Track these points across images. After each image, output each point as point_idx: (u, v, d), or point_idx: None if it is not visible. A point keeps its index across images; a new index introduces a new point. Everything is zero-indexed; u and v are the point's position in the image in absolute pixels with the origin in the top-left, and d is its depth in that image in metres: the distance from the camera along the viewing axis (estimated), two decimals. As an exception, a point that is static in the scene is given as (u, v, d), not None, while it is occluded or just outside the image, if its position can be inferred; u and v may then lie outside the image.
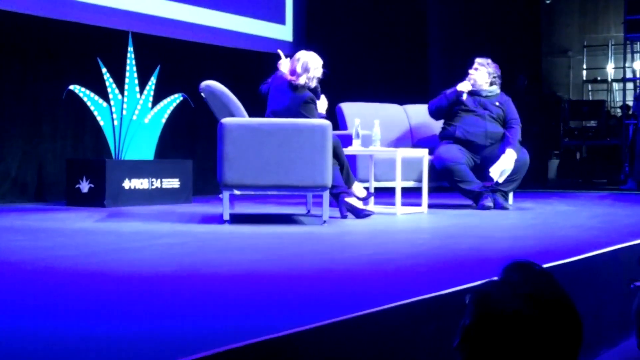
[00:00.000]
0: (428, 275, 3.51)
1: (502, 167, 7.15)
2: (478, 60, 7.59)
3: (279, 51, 6.74)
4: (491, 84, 7.55)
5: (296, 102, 6.16)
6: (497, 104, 7.49)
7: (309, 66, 6.26)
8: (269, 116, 6.31)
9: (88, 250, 4.39)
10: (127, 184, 7.52)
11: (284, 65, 6.48)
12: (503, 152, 7.23)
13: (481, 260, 3.96)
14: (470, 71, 7.56)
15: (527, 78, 12.78)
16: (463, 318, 1.80)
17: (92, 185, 7.39)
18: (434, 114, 7.63)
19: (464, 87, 7.46)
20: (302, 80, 6.24)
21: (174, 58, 8.83)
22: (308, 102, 6.15)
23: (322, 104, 6.49)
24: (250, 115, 6.02)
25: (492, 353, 1.73)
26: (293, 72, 6.27)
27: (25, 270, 3.58)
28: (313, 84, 6.30)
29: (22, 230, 5.44)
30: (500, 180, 7.19)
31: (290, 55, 6.62)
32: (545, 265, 3.53)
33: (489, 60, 7.60)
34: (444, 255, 4.23)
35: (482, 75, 7.51)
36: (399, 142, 7.90)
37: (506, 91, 7.74)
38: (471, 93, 7.49)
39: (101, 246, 4.58)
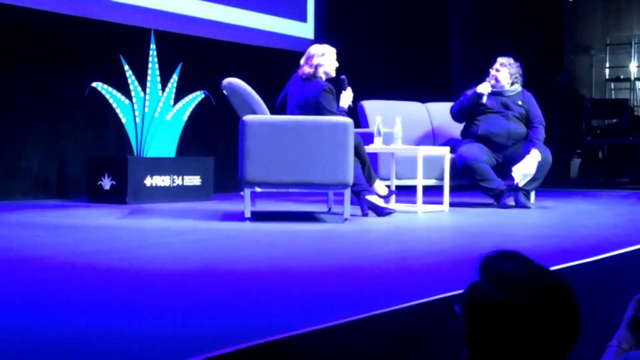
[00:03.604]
0: (449, 274, 3.50)
1: (525, 170, 7.12)
2: (500, 60, 7.54)
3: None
4: (512, 83, 7.51)
5: (313, 92, 6.16)
6: (520, 102, 7.45)
7: (310, 54, 6.34)
8: (290, 114, 6.32)
9: (109, 246, 4.40)
10: (148, 181, 7.54)
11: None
12: (527, 151, 7.20)
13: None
14: (491, 71, 7.51)
15: (569, 75, 12.71)
16: (461, 329, 1.79)
17: (113, 182, 7.41)
18: (456, 116, 7.56)
19: (483, 88, 7.40)
20: (306, 70, 6.28)
21: (195, 55, 8.84)
22: (327, 91, 6.15)
23: (347, 98, 6.44)
24: (272, 113, 6.02)
25: (499, 349, 1.72)
26: (300, 65, 6.34)
27: (46, 266, 3.60)
28: (323, 70, 6.28)
29: (44, 226, 5.46)
30: (521, 185, 7.15)
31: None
32: (567, 264, 3.52)
33: (511, 60, 7.54)
34: (465, 253, 4.21)
35: (504, 75, 7.46)
36: (420, 140, 7.88)
37: (532, 88, 7.69)
38: (493, 93, 7.44)
39: (123, 243, 4.59)
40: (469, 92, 7.48)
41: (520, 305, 1.70)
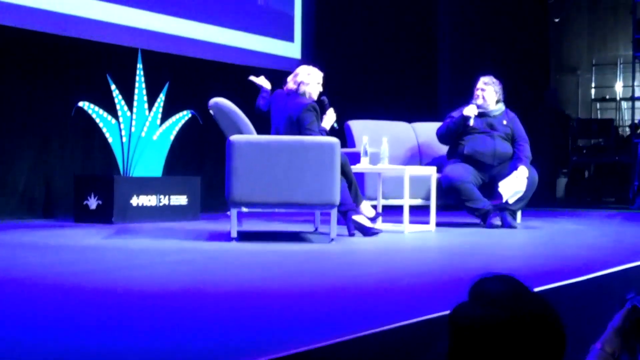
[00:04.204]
0: (435, 295, 3.50)
1: (514, 186, 7.13)
2: (483, 79, 7.55)
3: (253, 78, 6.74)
4: (497, 102, 7.53)
5: (296, 109, 6.17)
6: (505, 122, 7.48)
7: (296, 72, 6.38)
8: (274, 131, 6.33)
9: (95, 267, 4.38)
10: (135, 200, 7.53)
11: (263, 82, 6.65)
12: (514, 168, 7.22)
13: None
14: (476, 91, 7.52)
15: (556, 94, 12.78)
16: (446, 349, 1.79)
17: (100, 202, 7.39)
18: (442, 138, 7.55)
19: (470, 111, 7.39)
20: (290, 85, 6.32)
21: (182, 75, 8.84)
22: (309, 109, 6.15)
23: (329, 118, 6.45)
24: (259, 133, 6.02)
25: None
26: (286, 82, 6.37)
27: (32, 287, 3.58)
28: (306, 90, 6.29)
29: (30, 246, 5.44)
30: (511, 201, 7.16)
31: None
32: (553, 285, 3.53)
33: (493, 78, 7.56)
34: (451, 274, 4.22)
35: (490, 94, 7.48)
36: (407, 160, 7.89)
37: (513, 108, 7.72)
38: (479, 114, 7.45)
39: (109, 263, 4.58)
40: (455, 115, 7.48)
41: (500, 325, 1.70)
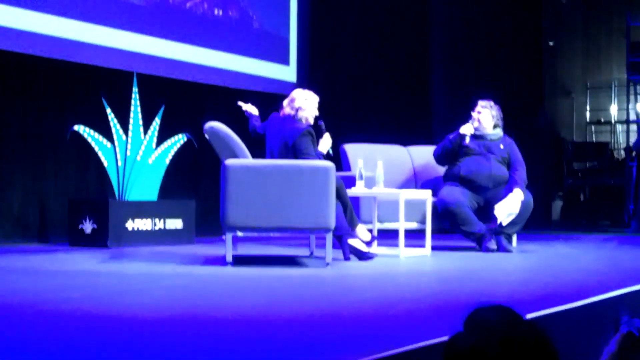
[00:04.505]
0: (430, 321, 3.49)
1: (509, 209, 7.13)
2: (481, 103, 7.58)
3: (240, 103, 6.76)
4: (494, 126, 7.55)
5: (292, 135, 6.16)
6: (502, 146, 7.49)
7: (293, 97, 6.35)
8: (269, 155, 6.33)
9: (90, 293, 4.37)
10: (130, 224, 7.52)
11: (250, 108, 6.68)
12: (509, 191, 7.22)
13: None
14: (473, 114, 7.54)
15: (547, 116, 12.83)
16: None
17: (95, 226, 7.38)
18: (439, 159, 7.56)
19: (466, 129, 7.42)
20: (287, 111, 6.29)
21: (178, 98, 8.85)
22: (305, 134, 6.14)
23: (325, 143, 6.45)
24: (254, 156, 6.02)
25: None
26: (281, 106, 6.36)
27: (25, 314, 3.57)
28: (303, 115, 6.29)
29: (24, 271, 5.43)
30: (505, 223, 7.16)
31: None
32: (549, 311, 3.52)
33: (492, 103, 7.59)
34: (446, 300, 4.21)
35: (486, 117, 7.49)
36: (402, 184, 7.89)
37: (509, 132, 7.74)
38: (476, 137, 7.46)
39: (103, 289, 4.57)
40: (451, 135, 7.50)
41: (495, 355, 1.70)
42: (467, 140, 7.40)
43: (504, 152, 7.48)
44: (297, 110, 6.29)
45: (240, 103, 6.73)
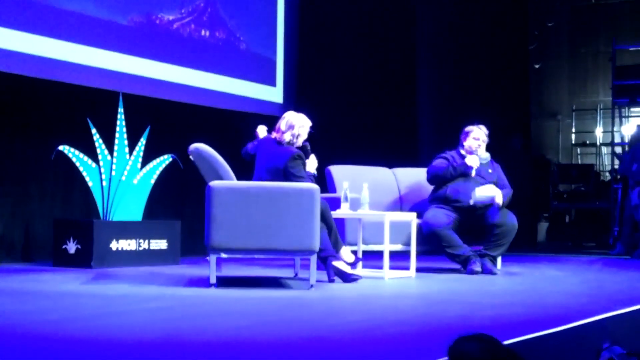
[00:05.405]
0: (414, 344, 3.48)
1: (487, 192, 7.22)
2: (484, 131, 7.54)
3: (261, 128, 6.78)
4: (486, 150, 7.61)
5: (283, 159, 6.17)
6: (490, 170, 7.54)
7: (293, 123, 6.34)
8: (257, 178, 6.32)
9: (72, 314, 4.35)
10: (114, 245, 7.50)
11: (262, 131, 6.62)
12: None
13: (467, 328, 3.92)
14: (476, 141, 7.50)
15: (521, 139, 12.89)
16: None
17: (79, 246, 7.35)
18: (433, 179, 7.49)
19: (473, 162, 7.42)
20: (286, 137, 6.30)
21: (164, 119, 8.84)
22: (296, 158, 6.16)
23: (312, 163, 6.49)
24: (239, 178, 6.02)
25: None
26: (278, 129, 6.36)
27: (6, 335, 3.54)
28: (298, 142, 6.33)
29: (6, 292, 5.40)
30: (479, 199, 7.20)
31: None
32: (531, 335, 3.52)
33: (484, 127, 7.61)
34: (430, 322, 4.21)
35: (484, 147, 7.56)
36: (387, 206, 7.90)
37: (497, 155, 7.77)
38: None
39: (86, 310, 4.54)
40: (448, 156, 7.50)
41: None
42: (473, 173, 7.41)
43: (493, 175, 7.52)
44: (297, 136, 6.31)
45: (260, 128, 6.75)
